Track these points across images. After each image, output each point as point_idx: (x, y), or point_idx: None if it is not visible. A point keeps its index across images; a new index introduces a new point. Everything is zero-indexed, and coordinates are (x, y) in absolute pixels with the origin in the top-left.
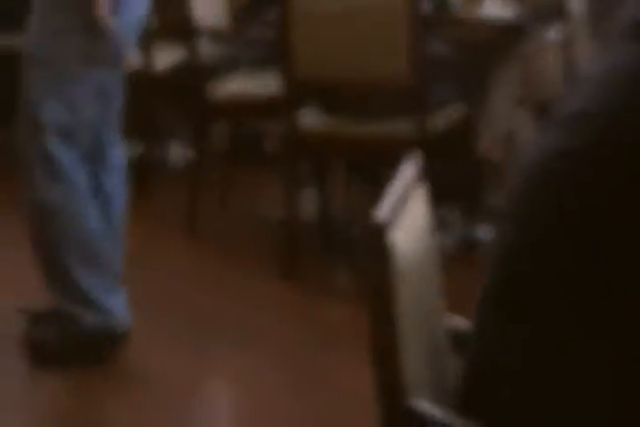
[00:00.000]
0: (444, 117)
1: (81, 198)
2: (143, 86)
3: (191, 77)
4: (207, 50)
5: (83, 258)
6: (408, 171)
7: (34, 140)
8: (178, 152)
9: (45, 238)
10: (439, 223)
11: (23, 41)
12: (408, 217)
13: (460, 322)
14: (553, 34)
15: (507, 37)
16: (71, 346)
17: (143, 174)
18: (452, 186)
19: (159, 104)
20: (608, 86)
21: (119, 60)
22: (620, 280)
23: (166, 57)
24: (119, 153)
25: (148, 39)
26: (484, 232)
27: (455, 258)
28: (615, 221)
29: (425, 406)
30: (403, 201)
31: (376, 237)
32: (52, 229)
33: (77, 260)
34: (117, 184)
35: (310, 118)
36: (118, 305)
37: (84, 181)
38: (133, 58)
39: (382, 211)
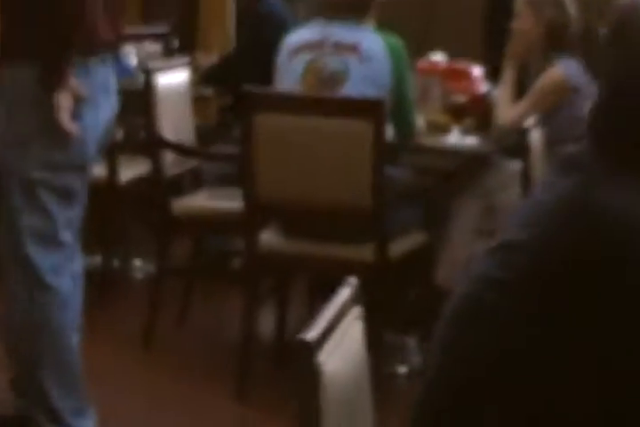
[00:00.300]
0: (405, 243)
1: (63, 307)
2: (106, 197)
3: (154, 191)
4: (171, 164)
5: (59, 377)
6: (345, 293)
7: (13, 246)
8: (139, 264)
9: (24, 353)
10: (394, 350)
11: None
12: (341, 338)
13: None
14: (515, 165)
15: (470, 166)
16: None
17: (102, 286)
18: (409, 313)
19: (122, 215)
20: (533, 220)
21: (82, 165)
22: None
23: (131, 169)
24: (79, 260)
25: (112, 151)
26: None
27: (410, 386)
28: (536, 352)
29: None
30: (336, 322)
31: (303, 356)
32: (31, 343)
33: (54, 378)
34: (77, 292)
35: (271, 238)
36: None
37: (67, 287)
38: (98, 168)
39: (312, 331)
